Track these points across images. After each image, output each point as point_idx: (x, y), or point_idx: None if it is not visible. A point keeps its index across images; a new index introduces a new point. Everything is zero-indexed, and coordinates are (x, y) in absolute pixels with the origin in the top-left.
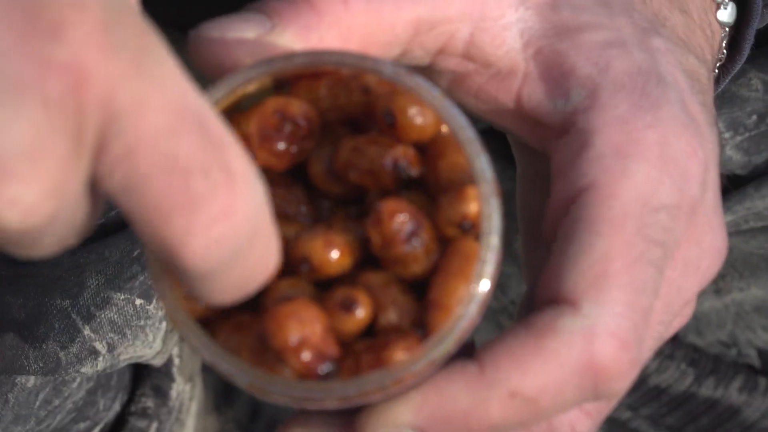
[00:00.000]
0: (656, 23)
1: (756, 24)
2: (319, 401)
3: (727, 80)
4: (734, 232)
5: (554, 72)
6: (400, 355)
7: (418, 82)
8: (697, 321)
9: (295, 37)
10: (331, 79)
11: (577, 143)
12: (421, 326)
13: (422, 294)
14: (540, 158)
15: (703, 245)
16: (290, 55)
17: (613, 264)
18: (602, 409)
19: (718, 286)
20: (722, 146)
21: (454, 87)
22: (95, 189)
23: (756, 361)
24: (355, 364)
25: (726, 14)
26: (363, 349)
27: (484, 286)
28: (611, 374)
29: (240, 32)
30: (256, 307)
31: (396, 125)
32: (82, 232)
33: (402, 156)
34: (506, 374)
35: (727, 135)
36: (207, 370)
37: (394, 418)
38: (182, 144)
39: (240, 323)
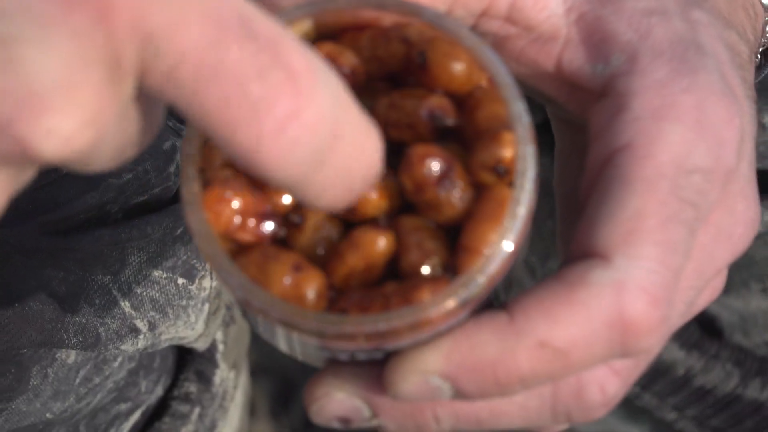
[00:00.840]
0: None
1: None
2: (348, 337)
3: None
4: None
5: (595, 37)
6: (427, 294)
7: (458, 27)
8: (743, 321)
9: None
10: (374, 32)
11: (615, 105)
12: (452, 270)
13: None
14: (578, 132)
15: (736, 214)
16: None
17: (646, 221)
18: (632, 369)
19: (765, 285)
20: (767, 141)
21: (495, 50)
22: (149, 105)
23: None
24: (384, 304)
25: None
26: (392, 290)
27: (516, 229)
28: (640, 329)
29: None
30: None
31: (428, 67)
32: (142, 144)
33: (437, 105)
34: (535, 323)
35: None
36: (261, 373)
37: (423, 364)
38: (228, 52)
39: (269, 255)
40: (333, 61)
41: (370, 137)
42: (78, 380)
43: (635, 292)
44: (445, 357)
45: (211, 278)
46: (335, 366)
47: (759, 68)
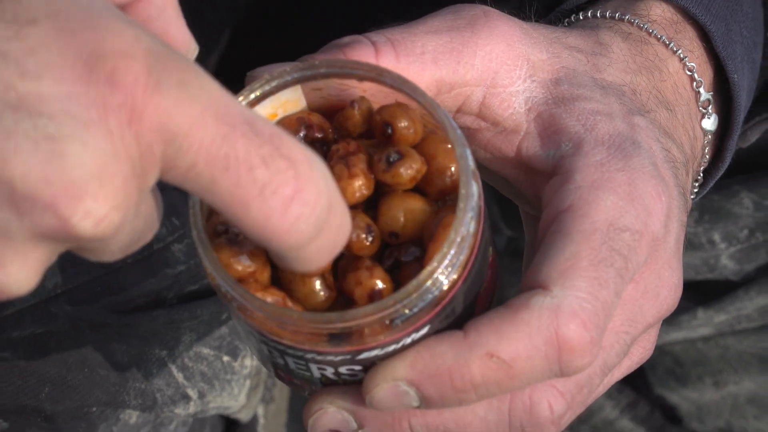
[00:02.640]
0: (642, 110)
1: (736, 135)
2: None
3: (710, 185)
4: (729, 332)
5: (549, 130)
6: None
7: (414, 87)
8: (698, 410)
9: None
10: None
11: (561, 179)
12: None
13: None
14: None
15: (663, 278)
16: (313, 65)
17: (580, 261)
18: (575, 393)
19: (716, 379)
20: (718, 255)
21: (467, 139)
22: (157, 199)
23: None
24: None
25: (709, 123)
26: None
27: (451, 254)
28: (574, 347)
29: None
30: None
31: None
32: (141, 241)
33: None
34: (485, 338)
35: (722, 246)
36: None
37: (391, 372)
38: (237, 145)
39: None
40: (304, 120)
41: (347, 210)
42: None
43: (569, 316)
44: (410, 365)
45: (252, 358)
46: (329, 386)
47: (702, 186)
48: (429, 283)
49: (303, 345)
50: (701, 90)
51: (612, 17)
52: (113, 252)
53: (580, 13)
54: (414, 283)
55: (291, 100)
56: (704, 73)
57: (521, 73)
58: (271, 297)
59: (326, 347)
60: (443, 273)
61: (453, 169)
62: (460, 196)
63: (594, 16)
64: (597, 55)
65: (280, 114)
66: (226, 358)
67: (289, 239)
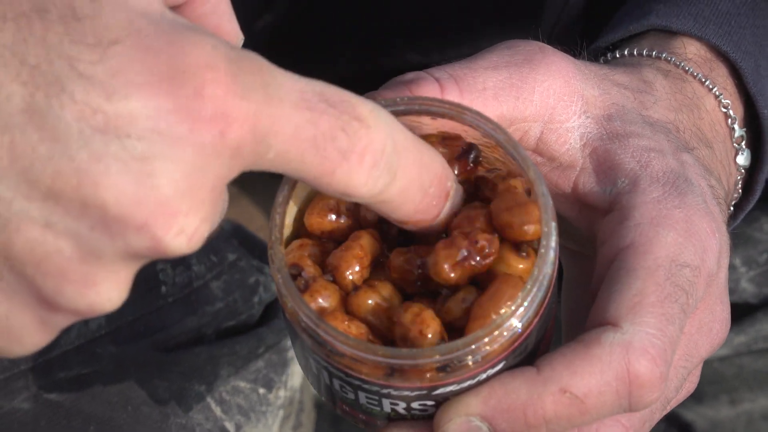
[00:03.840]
0: (687, 147)
1: (767, 169)
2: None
3: (740, 218)
4: (746, 351)
5: (605, 166)
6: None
7: (495, 125)
8: (713, 426)
9: None
10: None
11: (619, 216)
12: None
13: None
14: (583, 261)
15: (715, 313)
16: (394, 101)
17: (647, 298)
18: (638, 428)
19: (731, 397)
20: (737, 279)
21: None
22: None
23: None
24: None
25: (742, 158)
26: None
27: (525, 305)
28: (644, 383)
29: None
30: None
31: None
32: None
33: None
34: (559, 374)
35: (742, 269)
36: None
37: (465, 408)
38: (320, 124)
39: (350, 318)
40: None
41: (425, 149)
42: None
43: (640, 352)
44: (483, 401)
45: (285, 389)
46: (397, 420)
47: (732, 218)
48: (513, 320)
49: (380, 380)
50: (735, 126)
51: (649, 55)
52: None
53: (617, 51)
54: (498, 320)
55: None
56: (737, 110)
57: (576, 109)
58: (355, 329)
59: (404, 383)
60: (525, 311)
61: (531, 229)
62: (542, 234)
63: (631, 54)
64: (642, 92)
65: None
66: (261, 391)
67: (370, 188)
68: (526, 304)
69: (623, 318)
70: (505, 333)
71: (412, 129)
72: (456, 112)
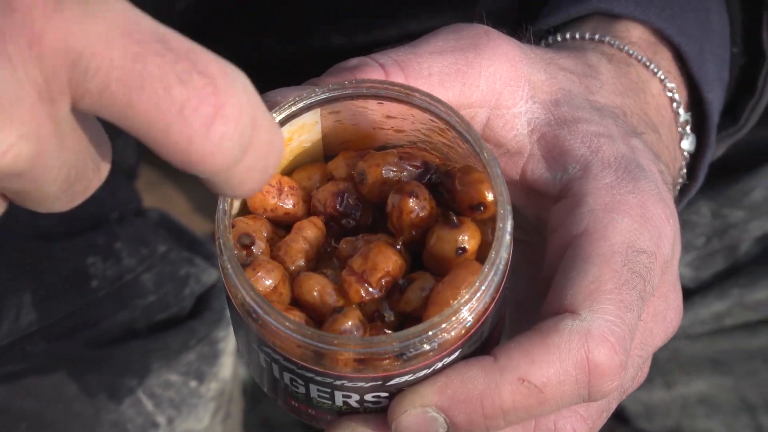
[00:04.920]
0: (635, 132)
1: (710, 155)
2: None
3: (684, 203)
4: (682, 335)
5: (554, 152)
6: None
7: (447, 107)
8: (647, 409)
9: None
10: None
11: (572, 203)
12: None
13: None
14: (529, 250)
15: (669, 301)
16: (342, 85)
17: (605, 285)
18: (596, 418)
19: (665, 380)
20: None
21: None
22: (93, 127)
23: None
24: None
25: (687, 143)
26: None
27: (480, 294)
28: (603, 371)
29: None
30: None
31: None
32: (83, 182)
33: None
34: (516, 363)
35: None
36: None
37: (420, 398)
38: (150, 63)
39: (289, 309)
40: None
41: (276, 127)
42: None
43: (599, 339)
44: (439, 391)
45: (216, 380)
46: (349, 414)
47: (676, 204)
48: (471, 303)
49: (335, 371)
50: (680, 111)
51: (592, 39)
52: (50, 194)
53: (558, 35)
54: (456, 305)
55: (308, 124)
56: (681, 94)
57: (523, 94)
58: (295, 317)
59: (360, 373)
60: (482, 296)
61: (487, 199)
62: (498, 216)
63: (573, 37)
64: (588, 77)
65: (296, 138)
66: (193, 384)
67: (215, 161)
68: (483, 288)
69: (581, 305)
70: (462, 318)
71: (358, 115)
72: (404, 94)
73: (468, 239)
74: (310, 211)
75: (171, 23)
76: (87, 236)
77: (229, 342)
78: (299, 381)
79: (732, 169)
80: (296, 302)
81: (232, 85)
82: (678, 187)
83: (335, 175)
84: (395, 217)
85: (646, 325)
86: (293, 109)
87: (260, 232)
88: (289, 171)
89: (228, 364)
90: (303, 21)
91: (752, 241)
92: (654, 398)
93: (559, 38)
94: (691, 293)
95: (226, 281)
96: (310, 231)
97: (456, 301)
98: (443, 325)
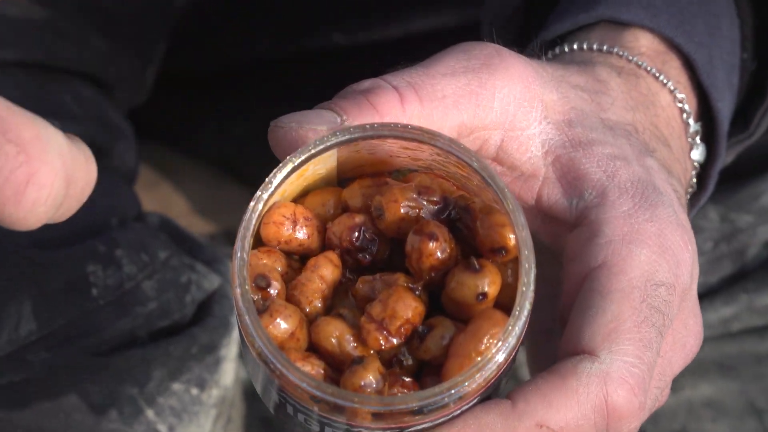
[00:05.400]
0: (648, 149)
1: (720, 164)
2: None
3: (695, 211)
4: None
5: (570, 176)
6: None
7: (468, 152)
8: (654, 414)
9: None
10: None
11: (589, 232)
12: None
13: None
14: (545, 264)
15: (689, 327)
16: (364, 128)
17: (623, 323)
18: None
19: (672, 383)
20: None
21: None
22: None
23: None
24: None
25: (697, 153)
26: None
27: (509, 345)
28: (622, 414)
29: (314, 125)
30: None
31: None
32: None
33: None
34: (534, 408)
35: None
36: None
37: None
38: None
39: (307, 356)
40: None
41: (93, 169)
42: None
43: (618, 382)
44: None
45: (218, 387)
46: None
47: (693, 200)
48: (497, 357)
49: (353, 422)
50: (690, 121)
51: (600, 50)
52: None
53: (565, 45)
54: (481, 362)
55: (326, 155)
56: (691, 104)
57: (537, 115)
58: (313, 366)
59: (378, 423)
60: (506, 350)
61: (510, 243)
62: (522, 271)
63: (581, 48)
64: (599, 93)
65: (311, 168)
66: (194, 391)
67: (29, 223)
68: (506, 345)
69: (599, 346)
70: (485, 373)
71: (375, 146)
72: (428, 137)
73: (489, 284)
74: (324, 242)
75: (170, 20)
76: (87, 244)
77: (230, 349)
78: (315, 422)
79: (740, 174)
80: (313, 347)
81: (45, 150)
82: (688, 197)
83: (350, 204)
84: (415, 259)
85: (665, 355)
86: (312, 152)
87: (275, 270)
88: (302, 196)
89: (230, 371)
90: (303, 20)
91: (760, 245)
92: None
93: (566, 48)
94: (698, 298)
95: (243, 330)
96: (325, 269)
97: (480, 359)
98: (466, 384)
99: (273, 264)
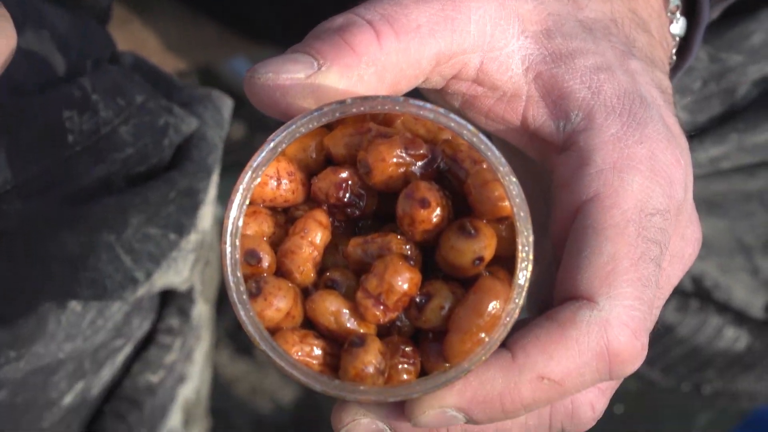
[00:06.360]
0: (629, 45)
1: (703, 29)
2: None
3: (680, 74)
4: None
5: (554, 95)
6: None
7: (461, 125)
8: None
9: (338, 76)
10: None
11: (579, 159)
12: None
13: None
14: (540, 174)
15: (686, 237)
16: (342, 102)
17: (621, 263)
18: (614, 386)
19: None
20: None
21: (466, 107)
22: None
23: (689, 287)
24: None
25: (677, 27)
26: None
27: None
28: (625, 359)
29: (291, 73)
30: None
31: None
32: None
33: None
34: (534, 360)
35: (675, 97)
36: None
37: (439, 401)
38: None
39: (304, 336)
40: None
41: (6, 35)
42: (85, 324)
43: (619, 328)
44: (458, 394)
45: (196, 232)
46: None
47: (675, 68)
48: (500, 339)
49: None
50: None
51: None
52: None
53: None
54: (484, 351)
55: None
56: None
57: (514, 31)
58: (310, 348)
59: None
60: (507, 326)
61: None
62: (520, 257)
63: None
64: None
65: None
66: (172, 236)
67: None
68: (511, 316)
69: (597, 291)
70: (489, 351)
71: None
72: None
73: (484, 248)
74: (309, 194)
75: None
76: (62, 89)
77: (208, 192)
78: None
79: (730, 13)
80: (309, 323)
81: None
82: (674, 50)
83: (333, 152)
84: (407, 224)
85: (664, 273)
86: (296, 135)
87: (263, 241)
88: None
89: (208, 214)
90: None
91: (751, 84)
92: None
93: None
94: (687, 138)
95: (240, 321)
96: (315, 234)
97: (487, 339)
98: (471, 368)
99: (260, 228)
